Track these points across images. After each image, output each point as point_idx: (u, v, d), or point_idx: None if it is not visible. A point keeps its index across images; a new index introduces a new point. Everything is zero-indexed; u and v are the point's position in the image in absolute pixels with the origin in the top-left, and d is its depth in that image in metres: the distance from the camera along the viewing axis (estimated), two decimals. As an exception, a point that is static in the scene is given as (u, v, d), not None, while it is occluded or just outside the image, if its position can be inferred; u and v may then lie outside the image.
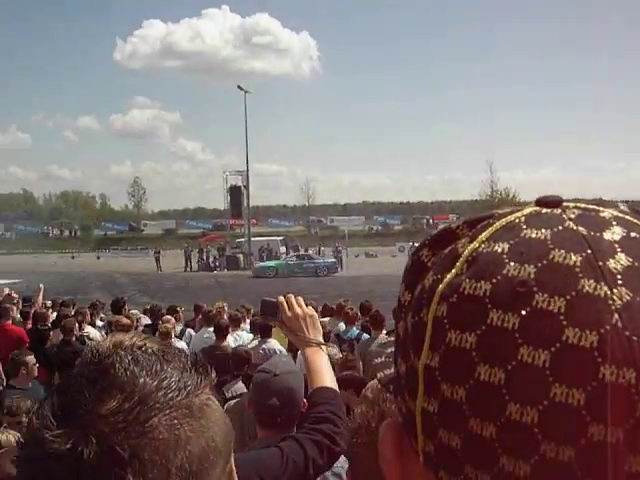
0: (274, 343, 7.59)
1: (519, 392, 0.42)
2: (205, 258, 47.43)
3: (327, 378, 2.17)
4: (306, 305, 2.26)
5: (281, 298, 2.20)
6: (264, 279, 35.54)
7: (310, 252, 46.91)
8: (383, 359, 0.67)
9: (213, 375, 0.87)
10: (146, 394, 0.77)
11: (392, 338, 0.63)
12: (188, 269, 45.64)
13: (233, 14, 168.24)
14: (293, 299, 2.20)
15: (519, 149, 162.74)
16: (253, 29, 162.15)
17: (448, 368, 0.46)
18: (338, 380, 2.43)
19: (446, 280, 0.48)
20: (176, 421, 0.77)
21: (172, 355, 0.84)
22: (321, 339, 2.24)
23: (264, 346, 7.50)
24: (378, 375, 0.65)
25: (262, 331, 7.76)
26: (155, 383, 0.79)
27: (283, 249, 48.82)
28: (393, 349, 0.58)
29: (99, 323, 10.72)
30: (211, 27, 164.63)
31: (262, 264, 41.11)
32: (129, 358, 0.81)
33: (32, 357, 6.47)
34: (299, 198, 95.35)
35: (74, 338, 8.10)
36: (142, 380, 0.78)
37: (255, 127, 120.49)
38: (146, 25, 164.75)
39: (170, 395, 0.78)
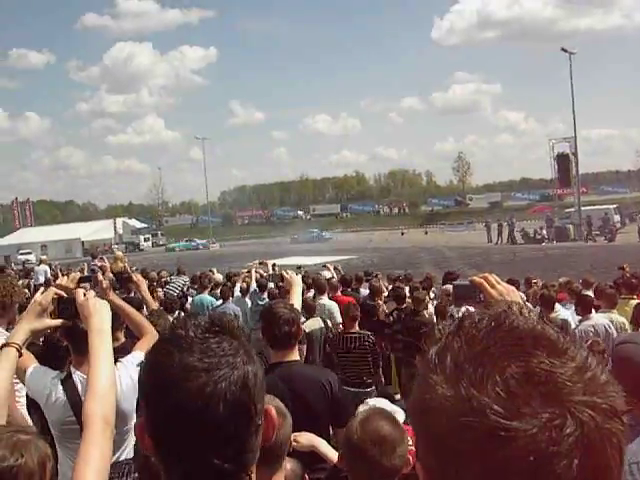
0: (596, 318, 7.30)
1: None
2: (528, 230, 46.17)
3: None
4: None
5: (476, 279, 2.06)
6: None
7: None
8: None
9: None
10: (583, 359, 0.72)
11: None
12: (508, 242, 44.87)
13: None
14: (491, 277, 2.05)
15: None
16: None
17: None
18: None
19: None
20: None
21: None
22: None
23: (590, 322, 7.24)
24: None
25: (583, 307, 7.52)
26: (575, 345, 0.74)
27: (617, 218, 45.63)
28: None
29: (431, 295, 11.19)
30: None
31: None
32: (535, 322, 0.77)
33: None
34: (634, 162, 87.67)
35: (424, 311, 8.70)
36: (563, 340, 0.74)
37: (581, 90, 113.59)
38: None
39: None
